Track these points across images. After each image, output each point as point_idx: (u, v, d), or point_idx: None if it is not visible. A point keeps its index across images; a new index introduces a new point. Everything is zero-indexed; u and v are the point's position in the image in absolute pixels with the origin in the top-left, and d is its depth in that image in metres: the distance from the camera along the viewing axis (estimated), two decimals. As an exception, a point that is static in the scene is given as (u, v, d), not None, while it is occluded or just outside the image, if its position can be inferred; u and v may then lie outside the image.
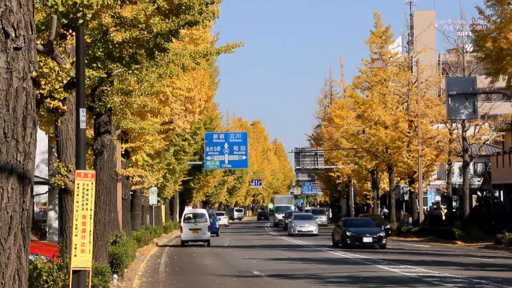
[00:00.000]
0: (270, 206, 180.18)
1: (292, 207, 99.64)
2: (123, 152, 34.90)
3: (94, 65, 17.07)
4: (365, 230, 41.62)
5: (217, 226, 61.06)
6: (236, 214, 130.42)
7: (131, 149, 35.66)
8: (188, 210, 51.34)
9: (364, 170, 72.14)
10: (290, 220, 62.44)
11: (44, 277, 14.75)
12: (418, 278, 23.40)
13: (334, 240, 43.29)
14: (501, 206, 54.50)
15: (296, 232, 59.05)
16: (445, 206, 66.55)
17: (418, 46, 58.59)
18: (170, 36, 16.86)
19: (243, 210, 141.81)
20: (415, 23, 65.31)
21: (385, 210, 70.31)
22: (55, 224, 35.47)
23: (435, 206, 65.17)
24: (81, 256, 13.03)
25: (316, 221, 63.02)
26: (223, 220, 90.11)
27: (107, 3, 14.62)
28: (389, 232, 56.60)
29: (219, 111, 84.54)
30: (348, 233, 41.29)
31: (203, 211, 49.85)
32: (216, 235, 59.28)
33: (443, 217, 59.71)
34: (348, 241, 41.00)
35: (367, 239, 41.05)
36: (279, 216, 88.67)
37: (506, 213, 51.48)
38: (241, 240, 54.17)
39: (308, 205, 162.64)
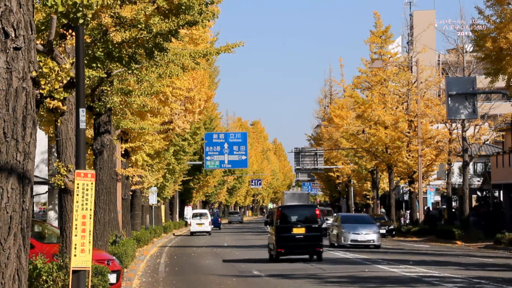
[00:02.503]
0: (270, 205, 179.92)
1: None
2: (123, 152, 34.88)
3: (94, 65, 17.08)
4: None
5: (219, 222, 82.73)
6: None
7: (131, 149, 35.65)
8: (193, 210, 73.70)
9: (364, 170, 72.10)
10: (336, 224, 43.89)
11: (44, 277, 14.75)
12: (418, 278, 23.40)
13: None
14: (499, 206, 54.49)
15: (349, 243, 41.61)
16: (444, 206, 66.53)
17: (418, 46, 58.56)
18: (169, 36, 16.87)
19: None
20: (415, 23, 65.32)
21: (382, 210, 70.28)
22: (55, 224, 35.45)
23: (437, 206, 65.19)
24: (81, 256, 13.03)
25: (377, 226, 43.96)
26: (237, 217, 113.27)
27: (107, 3, 14.61)
28: (393, 232, 56.42)
29: (219, 111, 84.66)
30: None
31: (206, 211, 69.80)
32: (218, 228, 79.93)
33: (442, 217, 59.73)
34: None
35: None
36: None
37: (502, 213, 51.50)
38: (242, 240, 54.16)
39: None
